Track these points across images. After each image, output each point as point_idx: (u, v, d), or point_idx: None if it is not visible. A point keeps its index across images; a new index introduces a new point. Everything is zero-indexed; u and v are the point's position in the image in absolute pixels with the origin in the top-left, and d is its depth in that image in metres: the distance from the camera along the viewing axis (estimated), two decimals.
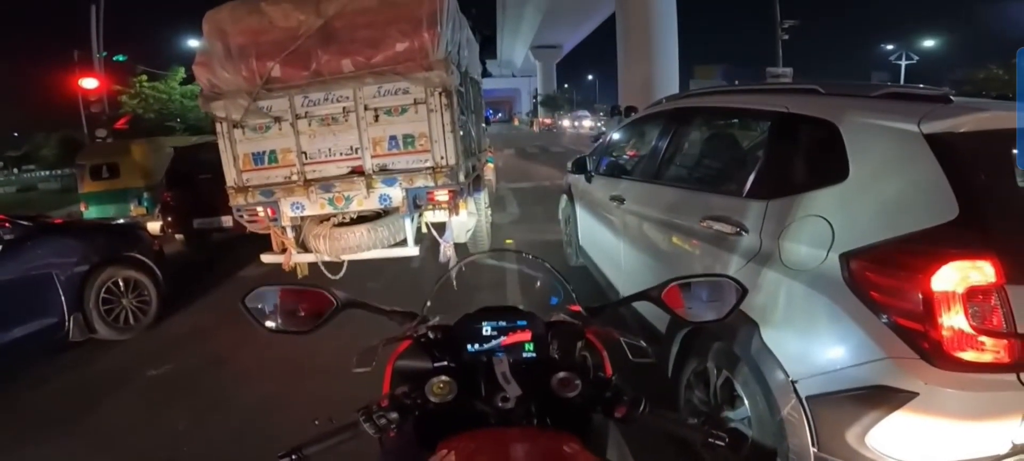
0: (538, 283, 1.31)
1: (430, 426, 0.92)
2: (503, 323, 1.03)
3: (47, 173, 21.64)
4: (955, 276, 1.32)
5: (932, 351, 1.34)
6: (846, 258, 1.51)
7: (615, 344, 1.08)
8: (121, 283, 4.01)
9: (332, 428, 0.86)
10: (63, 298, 3.57)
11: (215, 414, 2.83)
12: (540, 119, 47.28)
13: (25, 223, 3.73)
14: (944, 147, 1.41)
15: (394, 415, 0.87)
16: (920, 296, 1.34)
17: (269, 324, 1.00)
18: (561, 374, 0.93)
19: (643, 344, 1.05)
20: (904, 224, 1.44)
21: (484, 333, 1.02)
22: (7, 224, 3.53)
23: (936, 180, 1.39)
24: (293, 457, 0.82)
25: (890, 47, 31.40)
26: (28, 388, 3.30)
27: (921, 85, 1.91)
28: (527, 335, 1.02)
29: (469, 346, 1.02)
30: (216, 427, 2.70)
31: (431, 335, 1.05)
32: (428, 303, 1.14)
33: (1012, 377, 1.30)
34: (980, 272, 1.30)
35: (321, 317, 1.00)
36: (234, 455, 2.42)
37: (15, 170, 25.89)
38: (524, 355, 1.01)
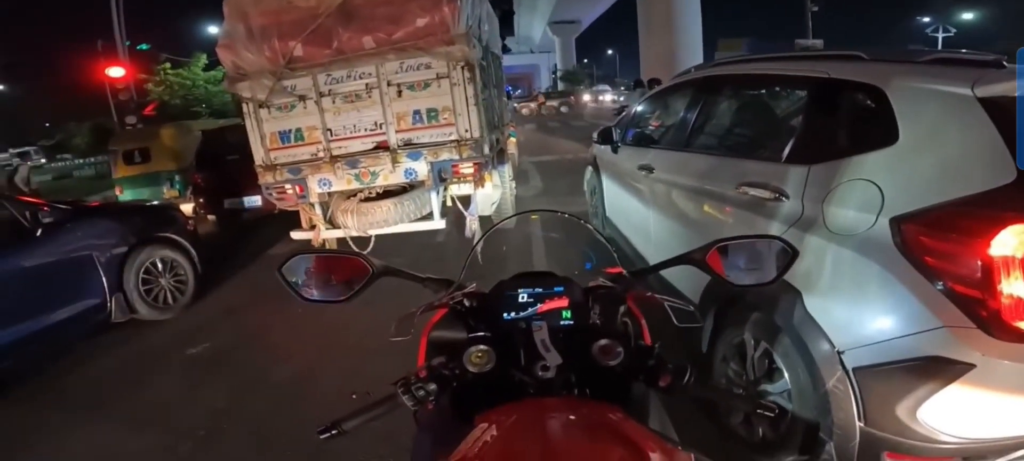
0: (573, 248, 1.27)
1: (466, 398, 0.89)
2: (540, 289, 1.00)
3: (81, 160, 22.30)
4: (1015, 240, 1.25)
5: (990, 320, 1.27)
6: (898, 222, 1.44)
7: (655, 310, 1.04)
8: (159, 263, 4.11)
9: (370, 402, 0.85)
10: (104, 279, 3.67)
11: (253, 390, 2.91)
12: (540, 98, 35.03)
13: (63, 207, 3.82)
14: (999, 110, 1.35)
15: (433, 386, 0.85)
16: (978, 261, 1.28)
17: (306, 293, 1.00)
18: (602, 342, 0.89)
19: (690, 308, 1.00)
20: (959, 187, 1.37)
21: (520, 300, 0.99)
22: (46, 208, 3.63)
23: (992, 143, 1.32)
24: (333, 432, 0.82)
25: (926, 20, 29.98)
26: (75, 368, 3.42)
27: (966, 51, 1.81)
28: (564, 301, 0.99)
29: (505, 314, 0.99)
30: (254, 402, 2.77)
31: (466, 303, 1.01)
32: (464, 269, 1.12)
33: None
34: None
35: (356, 285, 0.99)
36: (272, 429, 2.48)
37: (42, 159, 26.65)
38: (561, 323, 0.97)
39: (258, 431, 2.51)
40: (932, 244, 1.38)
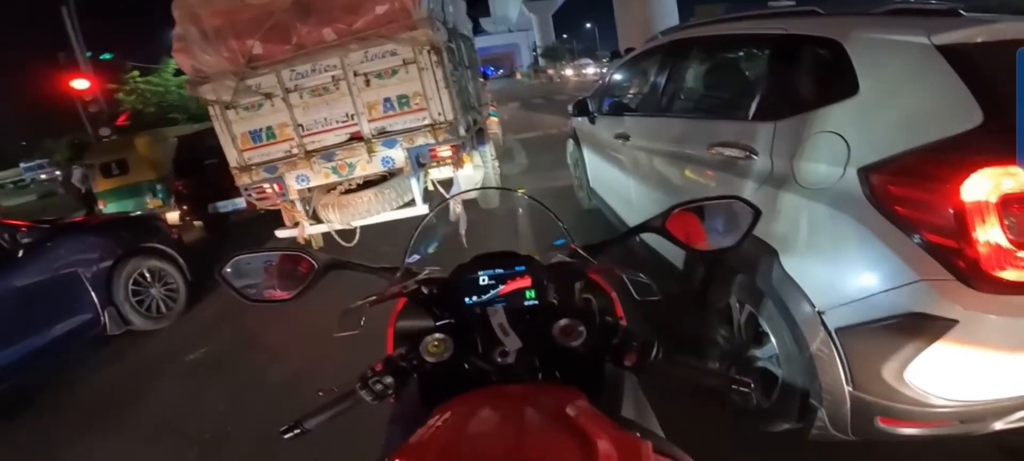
0: (535, 227, 1.24)
1: (437, 386, 0.86)
2: (500, 270, 0.96)
3: (60, 176, 21.95)
4: (987, 184, 1.20)
5: (969, 271, 1.23)
6: (866, 172, 1.40)
7: (625, 285, 1.00)
8: (147, 273, 4.08)
9: (332, 398, 0.83)
10: (94, 294, 3.66)
11: (252, 391, 2.93)
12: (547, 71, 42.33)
13: (43, 226, 3.79)
14: (959, 57, 1.30)
15: (389, 380, 0.83)
16: (950, 209, 1.23)
17: (250, 295, 0.96)
18: (563, 322, 0.86)
19: (646, 280, 0.96)
20: (925, 134, 1.32)
21: (481, 283, 0.95)
22: (24, 229, 3.58)
23: (955, 88, 1.28)
24: (296, 431, 0.81)
25: None
26: (77, 383, 3.44)
27: (931, 2, 1.79)
28: (527, 281, 0.94)
29: (467, 298, 0.95)
30: (254, 404, 2.79)
31: (425, 290, 0.97)
32: (409, 256, 1.08)
33: None
34: (1014, 179, 1.18)
35: (304, 281, 0.95)
36: (273, 428, 2.47)
37: (57, 172, 26.25)
38: (526, 304, 0.93)
39: (259, 429, 2.52)
40: (902, 193, 1.34)
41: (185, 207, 6.99)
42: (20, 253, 3.41)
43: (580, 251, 1.02)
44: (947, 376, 1.31)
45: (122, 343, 3.83)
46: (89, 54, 14.03)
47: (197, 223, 7.05)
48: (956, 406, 1.34)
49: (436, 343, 0.87)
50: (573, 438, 0.61)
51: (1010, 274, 1.20)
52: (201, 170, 6.76)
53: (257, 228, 6.09)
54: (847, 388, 1.46)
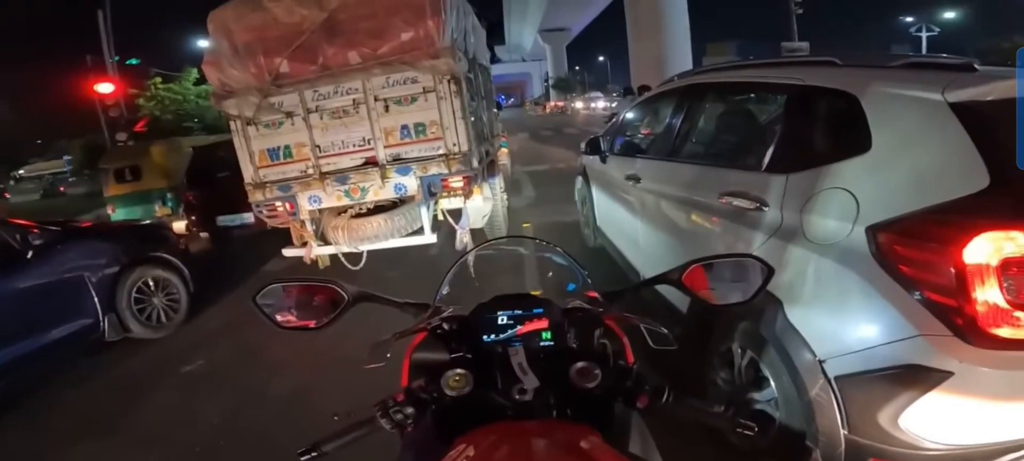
0: (552, 270, 1.29)
1: (451, 419, 0.90)
2: (519, 311, 1.00)
3: (73, 178, 22.22)
4: (988, 247, 1.25)
5: (966, 328, 1.28)
6: (873, 231, 1.45)
7: (636, 330, 1.04)
8: (151, 282, 4.11)
9: (350, 423, 0.85)
10: (96, 299, 3.67)
11: (248, 407, 2.92)
12: (552, 102, 46.53)
13: (53, 229, 3.82)
14: (970, 115, 1.36)
15: (410, 410, 0.86)
16: (952, 269, 1.28)
17: (281, 321, 1.00)
18: (580, 364, 0.90)
19: (664, 330, 1.01)
20: (932, 195, 1.38)
21: (500, 322, 0.99)
22: (35, 230, 3.62)
23: (964, 149, 1.33)
24: (313, 454, 0.82)
25: (909, 19, 30.51)
26: (71, 388, 3.42)
27: (944, 55, 1.84)
28: (544, 323, 0.99)
29: (485, 336, 0.99)
30: (249, 420, 2.78)
31: (446, 326, 1.01)
32: (441, 292, 1.13)
33: None
34: (1014, 243, 1.24)
35: (334, 311, 0.99)
36: (267, 447, 2.47)
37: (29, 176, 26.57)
38: (542, 344, 0.98)
39: (253, 448, 2.51)
40: (906, 252, 1.39)
41: (193, 217, 7.02)
42: (29, 254, 3.44)
43: (599, 298, 1.07)
44: (940, 422, 1.36)
45: (119, 350, 3.83)
46: (116, 58, 14.33)
47: (203, 235, 7.08)
48: (946, 449, 1.38)
49: (457, 378, 0.89)
50: None
51: (1005, 331, 1.26)
52: (213, 182, 6.83)
53: (263, 244, 6.13)
54: (843, 431, 1.50)
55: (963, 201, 1.31)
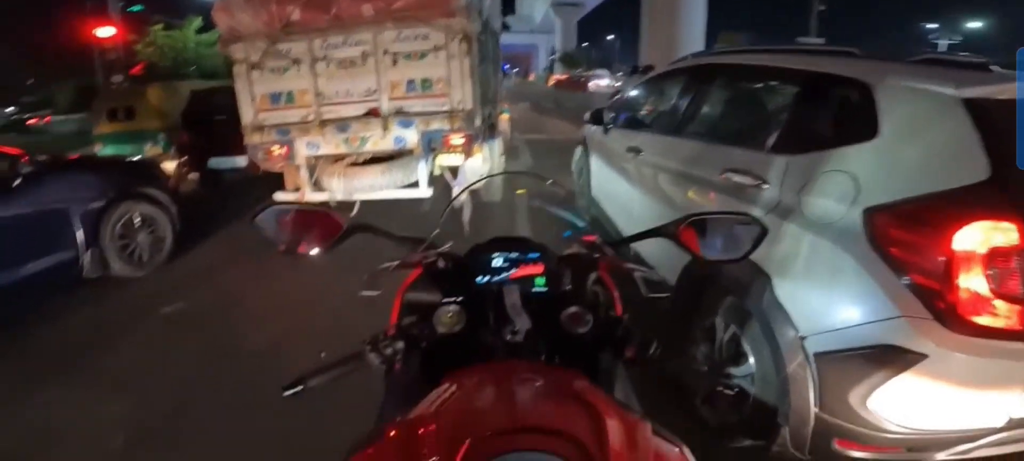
0: (551, 215, 1.28)
1: (436, 360, 0.89)
2: (515, 254, 1.00)
3: (62, 118, 21.77)
4: (979, 236, 1.29)
5: (947, 312, 1.31)
6: (870, 213, 1.48)
7: (627, 285, 1.05)
8: (137, 219, 4.00)
9: (337, 359, 0.84)
10: (79, 233, 3.56)
11: (226, 353, 2.82)
12: (556, 75, 45.79)
13: (42, 159, 3.74)
14: (980, 112, 1.38)
15: (400, 345, 0.85)
16: (940, 254, 1.32)
17: (280, 244, 1.00)
18: (572, 309, 0.91)
19: (657, 277, 1.02)
20: (932, 183, 1.41)
21: (495, 265, 1.00)
22: (25, 159, 3.54)
23: (969, 142, 1.36)
24: (298, 388, 0.82)
25: (932, 26, 30.19)
26: (44, 324, 3.28)
27: (963, 53, 1.84)
28: (539, 268, 0.99)
29: (479, 277, 0.99)
30: (227, 367, 2.68)
31: (441, 264, 1.02)
32: (437, 230, 1.12)
33: (1021, 346, 1.28)
34: (1004, 234, 1.27)
35: (331, 240, 0.99)
36: (244, 393, 2.40)
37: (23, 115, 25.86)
38: (535, 290, 0.98)
39: (229, 394, 2.44)
40: (899, 235, 1.41)
41: (184, 159, 6.96)
42: (16, 182, 3.35)
43: (598, 243, 1.07)
44: (906, 405, 1.40)
45: (98, 288, 3.70)
46: (120, 2, 14.04)
47: (193, 176, 7.01)
48: (907, 434, 1.43)
49: (450, 315, 0.90)
50: (582, 410, 0.64)
51: (984, 319, 1.29)
52: (209, 126, 6.76)
53: (254, 189, 6.05)
54: (814, 409, 1.54)
55: (961, 190, 1.34)
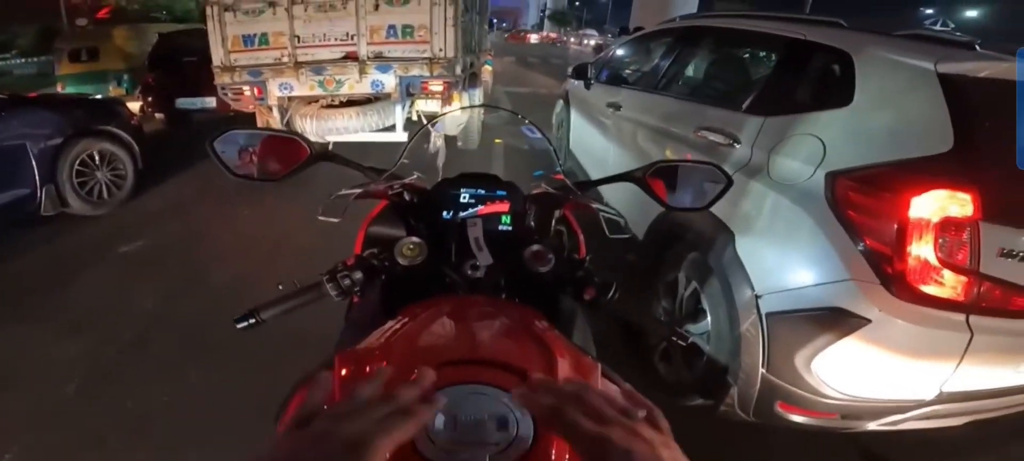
0: (522, 153, 1.25)
1: (397, 294, 0.87)
2: (482, 191, 0.98)
3: (23, 60, 20.62)
4: (934, 204, 1.30)
5: (894, 278, 1.33)
6: (832, 176, 1.49)
7: (594, 233, 1.03)
8: (96, 156, 3.86)
9: (293, 290, 0.82)
10: (36, 170, 3.44)
11: (186, 293, 2.78)
12: (544, 33, 44.71)
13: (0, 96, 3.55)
14: (954, 87, 1.38)
15: (359, 275, 0.83)
16: (895, 220, 1.33)
17: (237, 170, 0.91)
18: (535, 247, 0.89)
19: (619, 217, 1.02)
20: (896, 152, 1.41)
21: (461, 200, 0.98)
22: None
23: (939, 115, 1.36)
24: (251, 320, 0.79)
25: (929, 12, 30.12)
26: None
27: (953, 30, 1.84)
28: (505, 206, 0.98)
29: (445, 213, 0.97)
30: (186, 306, 2.64)
31: (407, 196, 0.98)
32: (402, 155, 1.07)
33: (961, 318, 1.31)
34: (959, 204, 1.29)
35: (293, 166, 0.92)
36: (202, 333, 2.35)
37: None
38: (500, 228, 0.96)
39: (188, 334, 2.39)
40: (858, 199, 1.43)
41: (149, 98, 6.79)
42: None
43: (566, 182, 1.05)
44: (845, 371, 1.43)
45: (55, 226, 3.58)
46: None
47: (159, 115, 6.85)
48: (842, 400, 1.46)
49: (411, 247, 0.88)
50: (535, 347, 0.64)
51: (929, 288, 1.32)
52: (177, 67, 6.56)
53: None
54: (761, 370, 1.57)
55: (924, 160, 1.35)
